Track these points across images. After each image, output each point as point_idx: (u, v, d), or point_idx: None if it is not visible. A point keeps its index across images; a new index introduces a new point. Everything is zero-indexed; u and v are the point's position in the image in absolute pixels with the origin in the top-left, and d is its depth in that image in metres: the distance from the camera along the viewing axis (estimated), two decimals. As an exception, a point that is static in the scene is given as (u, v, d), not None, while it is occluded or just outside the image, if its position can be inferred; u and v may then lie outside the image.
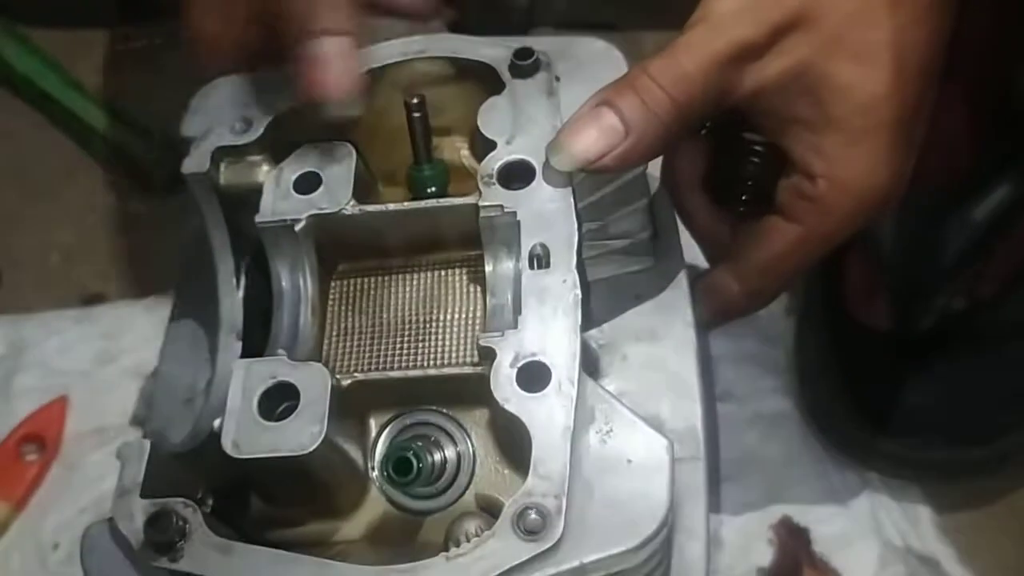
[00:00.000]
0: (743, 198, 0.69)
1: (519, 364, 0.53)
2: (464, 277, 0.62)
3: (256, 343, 0.63)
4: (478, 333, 0.58)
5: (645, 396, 0.59)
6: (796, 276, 0.67)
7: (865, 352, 0.80)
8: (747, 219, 0.67)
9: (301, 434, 0.53)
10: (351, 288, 0.62)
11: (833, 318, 0.83)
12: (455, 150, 0.67)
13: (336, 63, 0.59)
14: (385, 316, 0.61)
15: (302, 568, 0.51)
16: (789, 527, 0.80)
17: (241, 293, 0.64)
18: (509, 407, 0.52)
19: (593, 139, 0.58)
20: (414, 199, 0.64)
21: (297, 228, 0.59)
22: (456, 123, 0.66)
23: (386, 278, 0.62)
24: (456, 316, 0.60)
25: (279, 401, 0.55)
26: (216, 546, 0.52)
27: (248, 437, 0.53)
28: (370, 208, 0.60)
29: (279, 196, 0.60)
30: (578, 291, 0.55)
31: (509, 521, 0.50)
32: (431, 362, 0.59)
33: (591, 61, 0.63)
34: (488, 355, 0.55)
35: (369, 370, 0.59)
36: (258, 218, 0.59)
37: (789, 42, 0.59)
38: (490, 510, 0.56)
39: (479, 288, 0.61)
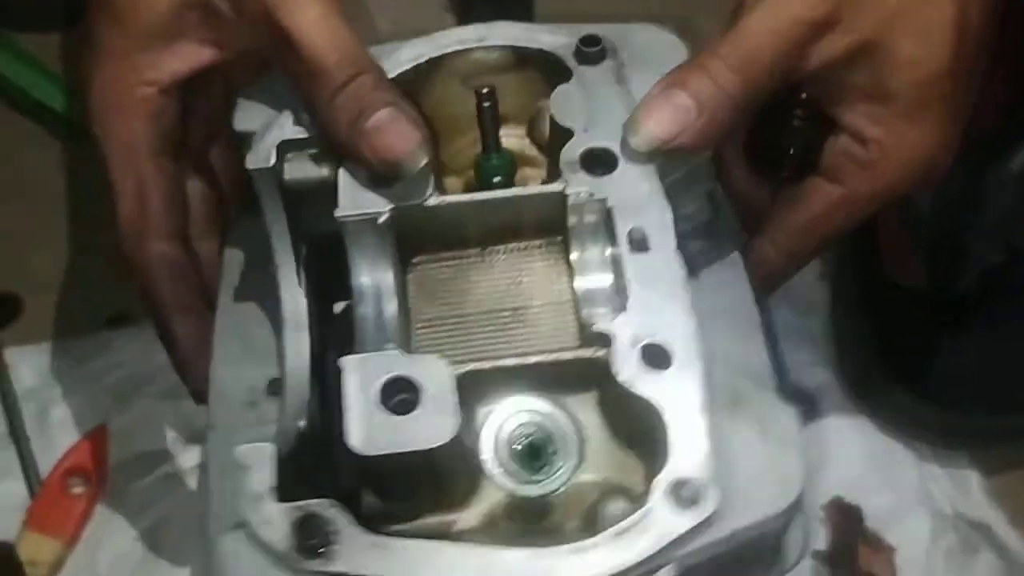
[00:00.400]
0: (786, 165, 0.69)
1: (639, 345, 0.53)
2: (543, 263, 0.61)
3: (319, 340, 0.61)
4: (581, 317, 0.57)
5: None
6: (832, 240, 0.69)
7: (904, 316, 0.81)
8: (787, 186, 0.68)
9: (431, 427, 0.51)
10: (429, 278, 0.61)
11: (869, 282, 0.83)
12: (513, 138, 0.66)
13: (395, 123, 0.57)
14: (469, 305, 0.60)
15: (468, 557, 0.50)
16: (841, 507, 0.81)
17: (303, 291, 0.62)
18: (637, 389, 0.52)
19: (668, 119, 0.59)
20: (479, 188, 0.63)
21: (380, 221, 0.57)
22: (513, 111, 0.65)
23: (463, 266, 0.61)
24: (543, 302, 0.59)
25: (393, 395, 0.53)
26: (370, 544, 0.50)
27: (376, 434, 0.51)
28: (454, 199, 0.59)
29: (358, 189, 0.57)
30: (684, 271, 0.56)
31: (664, 496, 0.50)
32: (530, 348, 0.57)
33: (652, 48, 0.63)
34: (601, 340, 0.54)
35: (463, 357, 0.58)
36: (338, 212, 0.57)
37: (854, 18, 0.61)
38: (612, 489, 0.55)
39: (562, 274, 0.60)
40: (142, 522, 0.88)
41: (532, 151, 0.66)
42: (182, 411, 0.92)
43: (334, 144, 0.59)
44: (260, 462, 0.52)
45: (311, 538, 0.50)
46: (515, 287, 0.60)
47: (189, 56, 0.65)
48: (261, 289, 0.64)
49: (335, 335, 0.62)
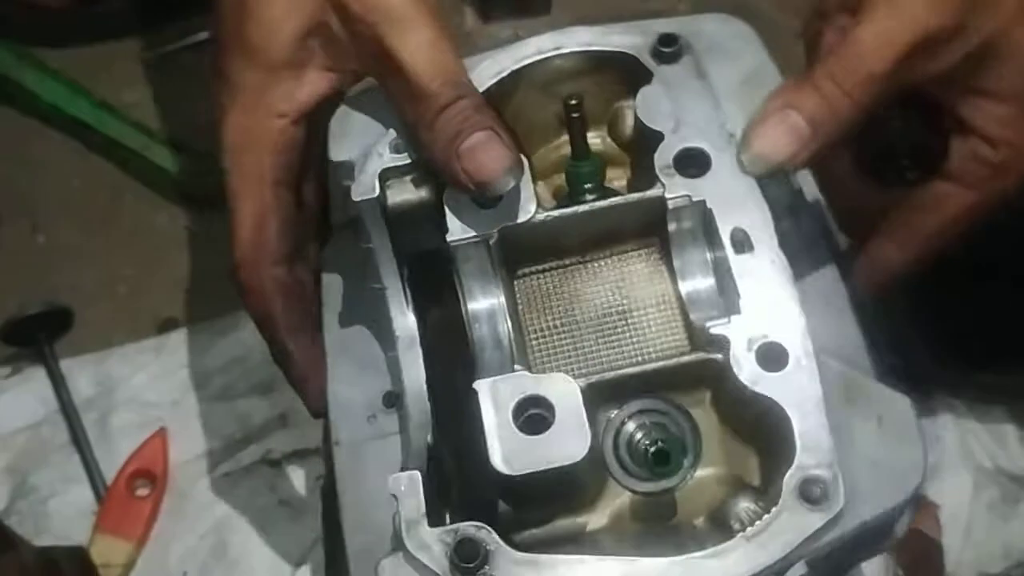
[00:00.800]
0: (905, 165, 0.67)
1: (755, 347, 0.55)
2: (644, 266, 0.62)
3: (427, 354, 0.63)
4: (690, 320, 0.58)
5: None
6: (958, 240, 0.68)
7: (936, 277, 0.79)
8: (905, 187, 0.67)
9: (567, 444, 0.53)
10: (535, 289, 0.62)
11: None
12: (595, 139, 0.66)
13: (490, 145, 0.57)
14: (577, 312, 0.61)
15: (613, 569, 0.52)
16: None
17: (411, 309, 0.63)
18: (759, 388, 0.54)
19: (783, 142, 0.59)
20: (570, 193, 0.64)
21: (492, 242, 0.58)
22: (593, 113, 0.65)
23: (566, 275, 0.62)
24: (649, 305, 0.61)
25: (526, 414, 0.54)
26: (522, 561, 0.52)
27: (516, 453, 0.53)
28: (558, 213, 0.59)
29: (464, 212, 0.59)
30: (789, 269, 0.57)
31: (793, 496, 0.52)
32: (641, 353, 0.59)
33: (724, 38, 0.64)
34: (716, 342, 0.56)
35: (580, 366, 0.59)
36: (450, 237, 0.58)
37: (978, 18, 0.59)
38: (729, 481, 0.58)
39: (662, 275, 0.61)
40: (207, 519, 0.91)
41: (614, 150, 0.67)
42: (238, 411, 0.96)
43: (432, 164, 0.59)
44: (412, 488, 0.54)
45: (468, 560, 0.52)
46: (619, 292, 0.61)
47: (315, 85, 0.65)
48: (363, 309, 0.65)
49: (441, 347, 0.64)
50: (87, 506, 0.93)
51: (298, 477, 0.92)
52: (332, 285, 0.66)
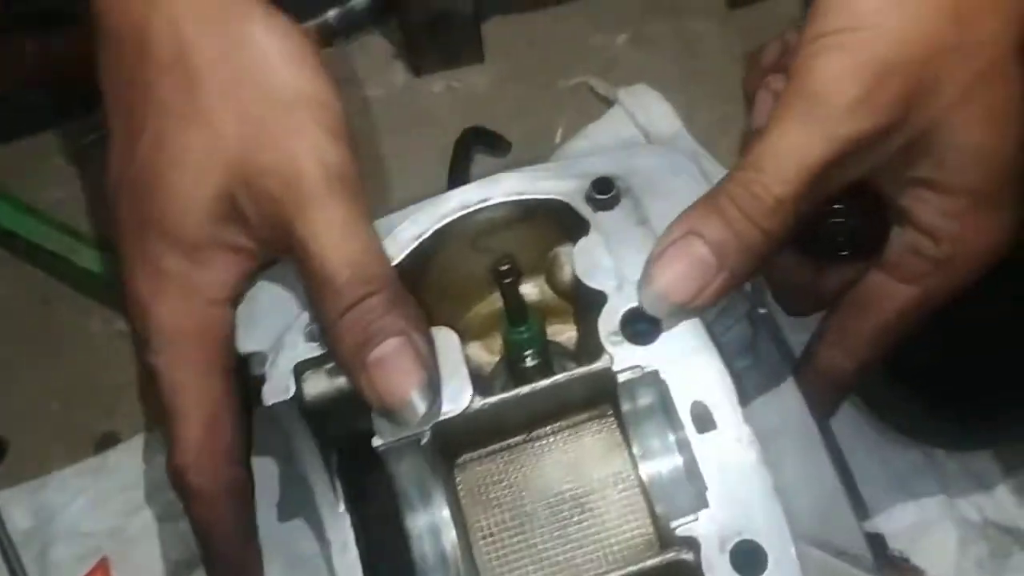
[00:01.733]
0: (841, 243, 0.59)
1: (729, 548, 0.47)
2: (597, 439, 0.54)
3: (366, 550, 0.55)
4: (658, 512, 0.50)
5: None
6: (904, 339, 0.60)
7: None
8: (840, 264, 0.60)
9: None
10: (478, 479, 0.54)
11: None
12: (532, 289, 0.59)
13: (400, 359, 0.49)
14: (527, 502, 0.53)
15: None
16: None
17: (342, 507, 0.55)
18: (735, 601, 0.47)
19: (684, 276, 0.50)
20: (510, 361, 0.56)
21: (423, 442, 0.50)
22: (528, 262, 0.57)
23: (511, 457, 0.54)
24: (606, 486, 0.53)
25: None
26: None
27: None
28: (496, 399, 0.51)
29: (391, 410, 0.51)
30: (758, 447, 0.50)
31: None
32: (602, 547, 0.51)
33: (665, 176, 0.55)
34: (686, 543, 0.48)
35: (535, 569, 0.51)
36: (376, 442, 0.50)
37: (915, 110, 0.51)
38: None
39: (619, 449, 0.53)
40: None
41: (554, 300, 0.59)
42: (180, 531, 0.86)
43: (339, 365, 0.52)
44: None
45: None
46: (572, 472, 0.53)
47: (241, 265, 0.57)
48: (296, 495, 0.56)
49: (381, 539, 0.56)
50: (29, 648, 0.86)
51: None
52: (263, 470, 0.57)
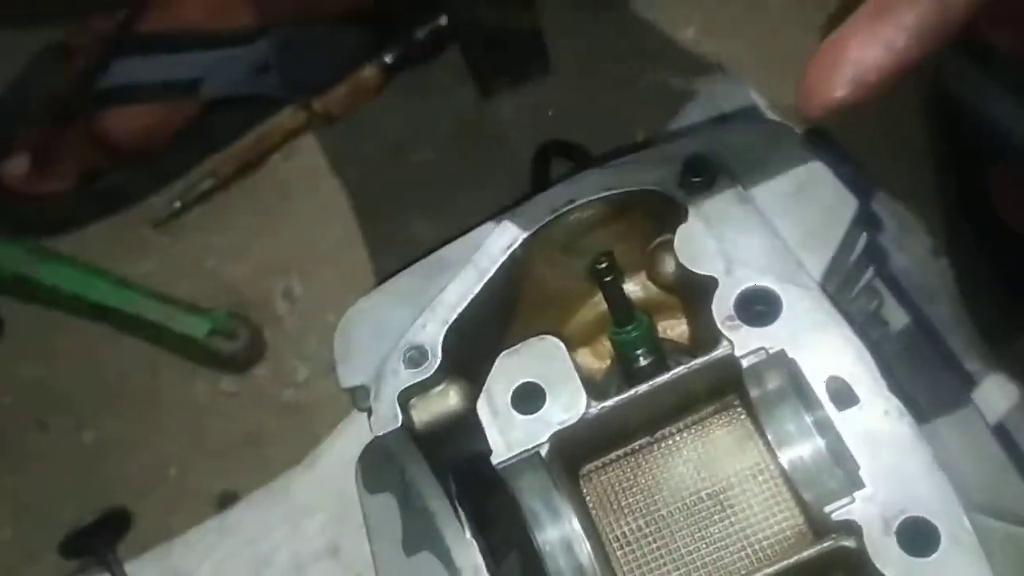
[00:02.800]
0: None
1: (895, 527, 0.41)
2: (728, 431, 0.49)
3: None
4: (807, 499, 0.45)
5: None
6: None
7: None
8: None
9: None
10: (606, 488, 0.49)
11: (993, 243, 0.71)
12: (635, 288, 0.54)
13: None
14: (661, 505, 0.48)
15: None
16: None
17: (468, 534, 0.51)
18: (913, 584, 0.41)
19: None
20: (622, 364, 0.52)
21: (544, 454, 0.45)
22: (627, 260, 0.53)
23: (638, 462, 0.49)
24: (745, 479, 0.48)
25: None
26: None
27: None
28: (614, 401, 0.46)
29: (504, 424, 0.46)
30: (910, 417, 0.45)
31: None
32: (750, 542, 0.46)
33: (760, 147, 0.50)
34: (845, 528, 0.43)
35: (680, 573, 0.47)
36: (495, 459, 0.46)
37: None
38: None
39: (753, 439, 0.48)
40: None
41: (660, 296, 0.54)
42: None
43: None
44: None
45: None
46: (705, 469, 0.48)
47: None
48: (416, 531, 0.53)
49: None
50: None
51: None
52: (375, 512, 0.53)
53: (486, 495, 0.51)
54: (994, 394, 0.70)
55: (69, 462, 0.99)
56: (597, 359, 0.54)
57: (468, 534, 0.49)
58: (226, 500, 0.93)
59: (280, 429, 0.96)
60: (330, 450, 0.91)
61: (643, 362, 0.50)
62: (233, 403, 0.98)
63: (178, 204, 1.06)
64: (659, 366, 0.51)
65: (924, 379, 0.50)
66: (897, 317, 0.53)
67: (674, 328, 0.54)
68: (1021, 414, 0.69)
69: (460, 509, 0.50)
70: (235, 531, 0.89)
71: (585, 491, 0.49)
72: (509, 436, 0.46)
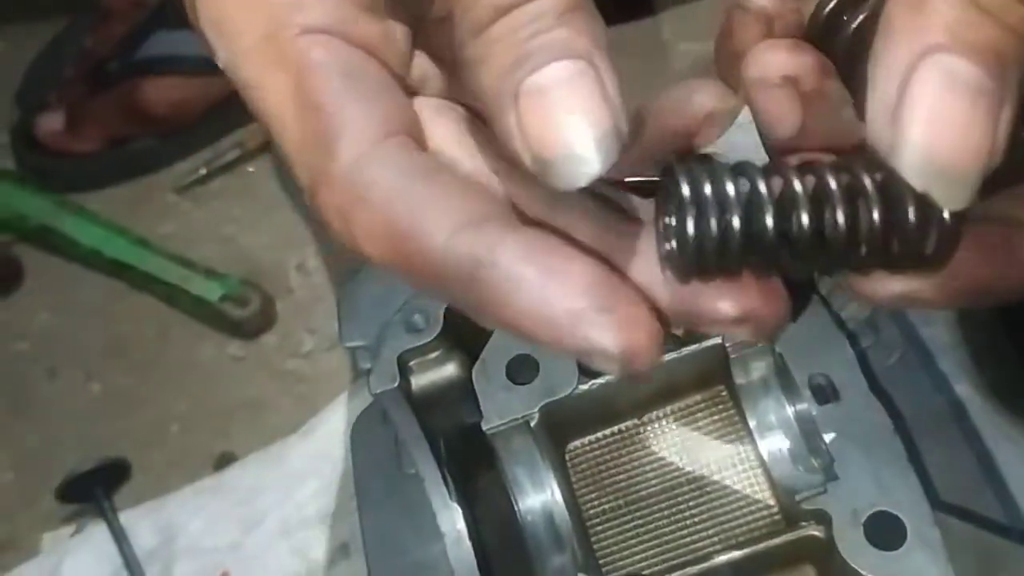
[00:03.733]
0: None
1: (863, 519, 0.42)
2: (712, 420, 0.50)
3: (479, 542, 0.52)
4: (778, 487, 0.46)
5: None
6: None
7: None
8: None
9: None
10: (590, 465, 0.50)
11: None
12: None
13: (572, 92, 0.30)
14: (642, 486, 0.49)
15: None
16: None
17: (453, 500, 0.52)
18: (875, 574, 0.42)
19: (955, 118, 0.28)
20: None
21: (532, 424, 0.47)
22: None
23: (623, 442, 0.50)
24: (724, 467, 0.49)
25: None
26: None
27: None
28: (603, 379, 0.47)
29: (497, 393, 0.47)
30: (887, 417, 0.46)
31: None
32: (723, 529, 0.47)
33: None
34: (815, 516, 0.44)
35: (653, 554, 0.47)
36: (485, 425, 0.47)
37: None
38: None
39: (736, 429, 0.49)
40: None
41: None
42: (297, 545, 0.85)
43: (478, 100, 0.33)
44: None
45: None
46: (688, 455, 0.49)
47: None
48: (403, 497, 0.54)
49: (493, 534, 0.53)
50: (158, 662, 0.84)
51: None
52: (365, 472, 0.55)
53: (475, 469, 0.52)
54: (980, 417, 0.70)
55: (75, 411, 1.00)
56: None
57: (453, 500, 0.50)
58: (224, 461, 0.93)
59: (281, 397, 0.97)
60: (327, 421, 0.92)
61: (637, 347, 0.51)
62: (239, 368, 0.99)
63: (203, 171, 1.07)
64: (652, 352, 0.52)
65: (909, 389, 0.51)
66: (890, 330, 0.54)
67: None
68: (1001, 433, 0.70)
69: (448, 476, 0.51)
70: (229, 491, 0.90)
71: (571, 466, 0.50)
72: (500, 404, 0.47)
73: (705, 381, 0.49)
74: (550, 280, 0.31)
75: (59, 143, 1.08)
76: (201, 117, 1.07)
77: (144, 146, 1.09)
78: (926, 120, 0.29)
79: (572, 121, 0.30)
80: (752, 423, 0.46)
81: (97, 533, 0.89)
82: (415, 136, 0.34)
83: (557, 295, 0.30)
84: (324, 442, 0.90)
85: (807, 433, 0.45)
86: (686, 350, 0.47)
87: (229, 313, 0.99)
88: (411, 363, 0.49)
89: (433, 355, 0.49)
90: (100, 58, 1.06)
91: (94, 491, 0.90)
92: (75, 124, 1.07)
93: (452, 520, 0.49)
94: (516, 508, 0.46)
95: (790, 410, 0.46)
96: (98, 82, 1.06)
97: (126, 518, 0.89)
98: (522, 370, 0.47)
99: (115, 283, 1.02)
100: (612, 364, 0.31)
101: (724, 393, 0.49)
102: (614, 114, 0.30)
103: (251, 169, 1.08)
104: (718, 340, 0.46)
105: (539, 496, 0.46)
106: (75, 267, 1.03)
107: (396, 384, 0.48)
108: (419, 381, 0.49)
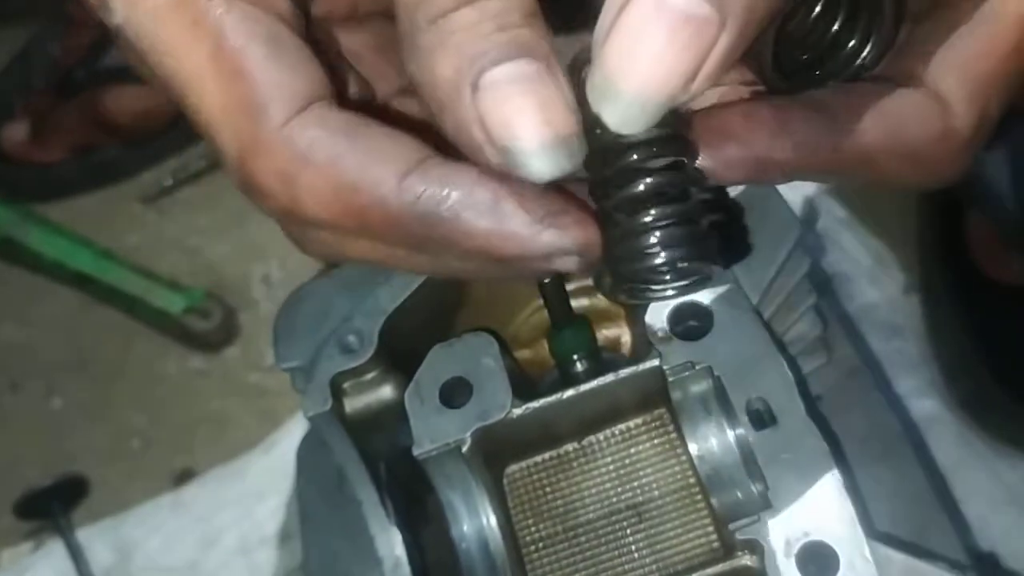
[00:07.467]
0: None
1: (796, 549, 0.41)
2: (653, 444, 0.49)
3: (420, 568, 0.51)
4: (716, 514, 0.45)
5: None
6: None
7: (1012, 319, 0.68)
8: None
9: None
10: (527, 489, 0.49)
11: (965, 287, 0.71)
12: (583, 300, 0.53)
13: (529, 87, 0.31)
14: (580, 512, 0.48)
15: None
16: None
17: (392, 524, 0.51)
18: (806, 608, 0.41)
19: (667, 47, 0.30)
20: (559, 367, 0.52)
21: (464, 449, 0.46)
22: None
23: (561, 466, 0.49)
24: (665, 493, 0.48)
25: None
26: None
27: None
28: (540, 403, 0.46)
29: (429, 416, 0.46)
30: (823, 443, 0.45)
31: None
32: (661, 558, 0.46)
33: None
34: (748, 546, 0.43)
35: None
36: (416, 450, 0.45)
37: None
38: None
39: (676, 453, 0.48)
40: None
41: (603, 303, 0.54)
42: (255, 563, 0.86)
43: (426, 101, 0.33)
44: None
45: None
46: (627, 478, 0.48)
47: None
48: (344, 517, 0.53)
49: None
50: None
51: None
52: (309, 495, 0.54)
53: (422, 493, 0.51)
54: (941, 433, 0.70)
55: (36, 426, 1.00)
56: (538, 361, 0.54)
57: (392, 524, 0.49)
58: (184, 476, 0.93)
59: (243, 411, 0.96)
60: (288, 437, 0.91)
61: (580, 367, 0.50)
62: (201, 381, 0.99)
63: (169, 181, 1.07)
64: (596, 373, 0.51)
65: (860, 409, 0.50)
66: (843, 347, 0.53)
67: (622, 337, 0.54)
68: (960, 451, 0.69)
69: (389, 499, 0.50)
70: (188, 508, 0.89)
71: (508, 491, 0.49)
72: (433, 428, 0.46)
73: (646, 404, 0.48)
74: (505, 199, 0.33)
75: (23, 153, 1.07)
76: (167, 126, 1.07)
77: (109, 155, 1.08)
78: (618, 50, 0.30)
79: (529, 111, 0.31)
80: (692, 447, 0.45)
81: (57, 550, 0.89)
82: (332, 95, 0.36)
83: (515, 210, 0.33)
84: (285, 458, 0.89)
85: (746, 458, 0.44)
86: (624, 372, 0.46)
87: (192, 326, 0.98)
88: (345, 385, 0.48)
89: (368, 376, 0.48)
90: (68, 67, 1.06)
91: (51, 507, 0.90)
92: (40, 134, 1.07)
93: (391, 545, 0.49)
94: (450, 534, 0.45)
95: (730, 434, 0.45)
96: (63, 91, 1.06)
97: (84, 535, 0.89)
98: (455, 393, 0.46)
99: (79, 295, 1.03)
100: (572, 261, 0.34)
101: (666, 415, 0.48)
102: (571, 108, 0.32)
103: (217, 180, 1.08)
104: (656, 363, 0.46)
105: (474, 522, 0.46)
106: (39, 279, 1.04)
107: (328, 407, 0.47)
108: (354, 404, 0.48)
